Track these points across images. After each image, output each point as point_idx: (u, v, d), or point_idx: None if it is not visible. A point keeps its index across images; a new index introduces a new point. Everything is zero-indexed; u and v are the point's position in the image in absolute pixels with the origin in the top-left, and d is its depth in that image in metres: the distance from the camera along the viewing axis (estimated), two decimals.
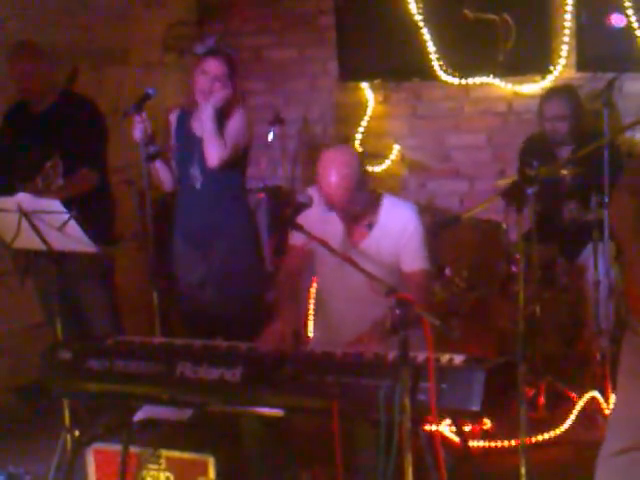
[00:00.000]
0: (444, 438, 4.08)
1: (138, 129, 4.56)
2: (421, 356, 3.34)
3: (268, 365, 3.49)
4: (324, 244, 3.67)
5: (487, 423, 4.74)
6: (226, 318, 4.76)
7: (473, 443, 4.56)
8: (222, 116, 4.71)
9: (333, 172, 3.93)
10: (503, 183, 4.89)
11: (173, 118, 4.90)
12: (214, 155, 4.66)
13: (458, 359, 3.39)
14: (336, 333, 3.99)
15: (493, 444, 4.64)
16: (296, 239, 4.15)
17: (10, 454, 4.89)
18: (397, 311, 3.17)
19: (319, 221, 3.94)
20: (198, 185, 4.80)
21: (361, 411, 3.37)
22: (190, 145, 4.80)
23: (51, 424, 4.87)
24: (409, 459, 3.17)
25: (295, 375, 3.43)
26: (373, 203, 4.08)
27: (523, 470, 3.38)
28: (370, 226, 4.05)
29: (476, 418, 3.32)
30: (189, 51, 5.76)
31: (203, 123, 4.67)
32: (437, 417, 3.22)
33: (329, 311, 4.15)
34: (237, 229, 4.80)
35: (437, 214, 6.05)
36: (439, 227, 4.90)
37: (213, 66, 4.70)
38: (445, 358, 3.40)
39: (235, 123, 4.74)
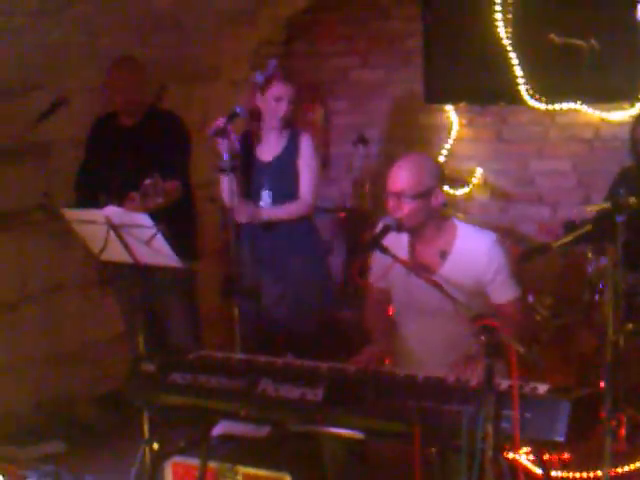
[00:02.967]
0: (523, 467, 4.03)
1: (225, 149, 4.64)
2: (504, 383, 3.31)
3: (351, 386, 3.48)
4: (409, 266, 3.65)
5: (565, 453, 4.67)
6: (298, 336, 4.80)
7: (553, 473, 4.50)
8: (291, 140, 4.81)
9: (402, 169, 3.87)
10: (590, 210, 4.82)
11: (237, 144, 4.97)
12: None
13: (542, 388, 3.35)
14: (412, 362, 3.95)
15: (571, 475, 4.57)
16: (372, 275, 4.13)
17: (88, 464, 4.97)
18: (482, 337, 3.14)
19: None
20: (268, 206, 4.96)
21: (443, 437, 3.34)
22: (258, 170, 4.96)
23: (129, 435, 4.94)
24: None
25: (377, 398, 3.41)
26: (446, 227, 3.96)
27: None
28: (444, 254, 3.91)
29: (560, 449, 3.27)
30: None
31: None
32: (519, 446, 3.18)
33: (404, 340, 4.09)
34: (306, 250, 4.88)
35: (520, 241, 5.98)
36: (529, 256, 4.84)
37: (284, 90, 4.85)
38: (529, 387, 3.35)
39: (307, 156, 4.90)
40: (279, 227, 4.95)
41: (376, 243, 3.71)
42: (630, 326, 5.08)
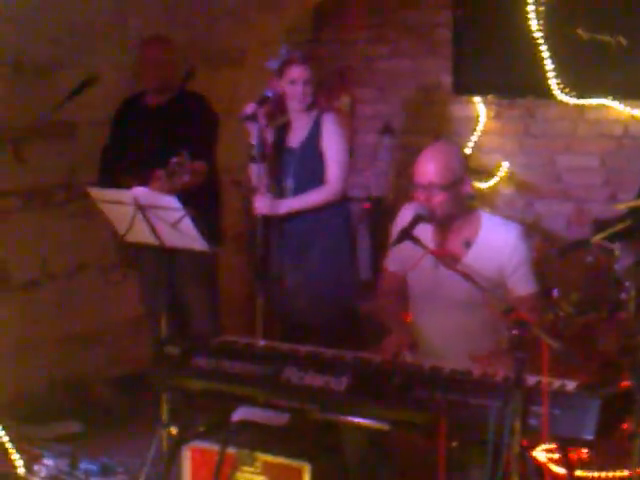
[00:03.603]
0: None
1: (255, 134, 4.60)
2: (531, 379, 3.26)
3: (376, 376, 3.44)
4: (440, 256, 3.60)
5: (584, 452, 4.63)
6: (317, 324, 4.75)
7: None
8: (316, 123, 4.77)
9: (430, 160, 3.81)
10: (622, 207, 4.76)
11: (270, 134, 4.94)
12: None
13: (570, 385, 3.30)
14: (431, 353, 3.91)
15: (595, 475, 4.52)
16: (390, 264, 4.10)
17: (104, 445, 4.94)
18: (514, 331, 3.10)
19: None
20: (290, 196, 4.87)
21: (468, 430, 3.29)
22: (285, 157, 4.88)
23: (145, 418, 4.92)
24: None
25: (403, 389, 3.37)
26: (471, 218, 3.91)
27: None
28: (468, 244, 3.86)
29: (590, 447, 3.22)
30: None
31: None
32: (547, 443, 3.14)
33: (423, 332, 4.03)
34: (332, 237, 4.82)
35: (547, 237, 5.94)
36: (567, 250, 4.78)
37: (299, 73, 4.79)
38: (557, 383, 3.30)
39: (333, 137, 4.79)
40: (308, 212, 4.87)
41: (407, 234, 3.66)
42: None
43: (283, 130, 4.93)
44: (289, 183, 4.89)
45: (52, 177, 5.48)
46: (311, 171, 4.87)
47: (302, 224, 4.85)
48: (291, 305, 4.90)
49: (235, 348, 3.83)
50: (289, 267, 4.91)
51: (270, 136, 4.87)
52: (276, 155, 4.91)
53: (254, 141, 4.65)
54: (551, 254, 5.10)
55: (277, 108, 4.95)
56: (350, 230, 5.05)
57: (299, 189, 4.89)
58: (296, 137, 4.92)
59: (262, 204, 4.82)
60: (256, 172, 4.80)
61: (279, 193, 4.90)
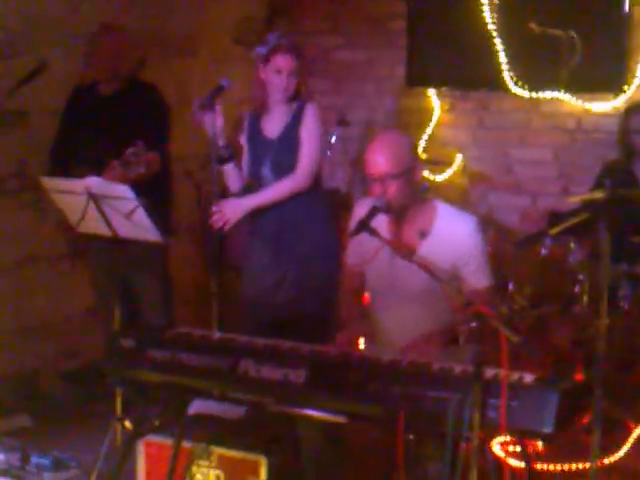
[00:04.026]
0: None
1: (210, 125, 4.48)
2: (489, 372, 3.26)
3: (334, 369, 3.42)
4: (396, 247, 3.59)
5: (538, 445, 4.64)
6: (296, 322, 4.62)
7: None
8: (297, 114, 4.64)
9: (381, 151, 3.79)
10: (574, 200, 4.78)
11: (245, 122, 4.77)
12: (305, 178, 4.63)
13: (528, 378, 3.30)
14: (388, 345, 3.90)
15: (550, 467, 4.55)
16: (349, 258, 4.08)
17: (57, 439, 4.87)
18: (473, 324, 3.09)
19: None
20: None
21: (427, 424, 3.28)
22: (261, 147, 4.69)
23: (98, 412, 4.87)
24: (474, 476, 3.09)
25: (361, 382, 3.35)
26: (426, 208, 3.91)
27: None
28: (423, 234, 3.85)
29: (548, 440, 3.23)
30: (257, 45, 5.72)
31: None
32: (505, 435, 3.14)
33: (381, 325, 4.03)
34: (315, 231, 4.70)
35: (500, 230, 5.95)
36: (526, 243, 4.79)
37: (285, 62, 4.56)
38: (515, 376, 3.30)
39: (310, 125, 4.63)
40: (285, 207, 4.64)
41: (365, 225, 3.65)
42: (606, 321, 5.07)
43: (257, 120, 4.74)
44: (266, 172, 4.67)
45: (2, 166, 5.38)
46: (289, 158, 4.64)
47: (276, 223, 4.67)
48: (270, 303, 4.74)
49: (191, 340, 3.78)
50: (268, 266, 4.70)
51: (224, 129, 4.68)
52: (250, 146, 4.75)
53: (210, 134, 4.49)
54: (506, 247, 5.10)
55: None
56: (331, 223, 4.91)
57: (278, 177, 4.65)
58: (274, 127, 4.69)
59: (230, 210, 4.56)
60: (232, 172, 4.64)
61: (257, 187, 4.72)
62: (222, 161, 4.57)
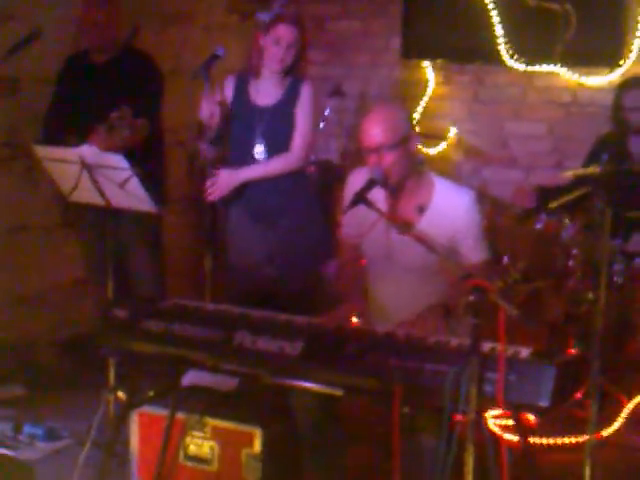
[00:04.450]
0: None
1: (207, 109, 4.45)
2: (485, 345, 3.25)
3: (331, 342, 3.40)
4: (394, 221, 3.56)
5: (531, 419, 4.65)
6: (287, 296, 4.60)
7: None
8: (292, 89, 4.61)
9: (377, 122, 3.75)
10: (569, 175, 4.76)
11: (229, 85, 4.70)
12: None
13: (525, 352, 3.29)
14: (383, 318, 3.89)
15: (544, 441, 4.57)
16: (345, 233, 4.06)
17: (49, 409, 4.86)
18: (472, 297, 3.07)
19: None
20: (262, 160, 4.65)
21: (423, 397, 3.27)
22: (251, 116, 4.63)
23: (91, 382, 4.84)
24: (471, 450, 3.08)
25: (357, 354, 3.34)
26: (423, 182, 3.86)
27: (588, 470, 3.28)
28: (421, 209, 3.81)
29: (544, 414, 3.22)
30: (252, 15, 5.65)
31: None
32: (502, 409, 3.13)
33: (377, 297, 4.01)
34: (303, 206, 4.68)
35: (495, 203, 5.92)
36: (526, 216, 4.77)
37: (286, 33, 4.49)
38: (511, 350, 3.29)
39: (306, 105, 4.60)
40: (277, 181, 4.64)
41: (362, 197, 3.62)
42: (590, 295, 5.07)
43: (244, 83, 4.67)
44: (259, 144, 4.62)
45: None
46: (283, 136, 4.62)
47: (266, 196, 4.64)
48: (260, 277, 4.72)
49: (185, 311, 3.75)
50: (257, 239, 4.70)
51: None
52: (236, 110, 4.67)
53: (205, 118, 4.44)
54: (500, 221, 5.08)
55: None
56: (319, 198, 4.90)
57: (271, 155, 4.62)
58: (267, 97, 4.63)
59: (220, 184, 4.58)
60: (215, 153, 4.60)
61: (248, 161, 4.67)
62: (213, 142, 4.54)
